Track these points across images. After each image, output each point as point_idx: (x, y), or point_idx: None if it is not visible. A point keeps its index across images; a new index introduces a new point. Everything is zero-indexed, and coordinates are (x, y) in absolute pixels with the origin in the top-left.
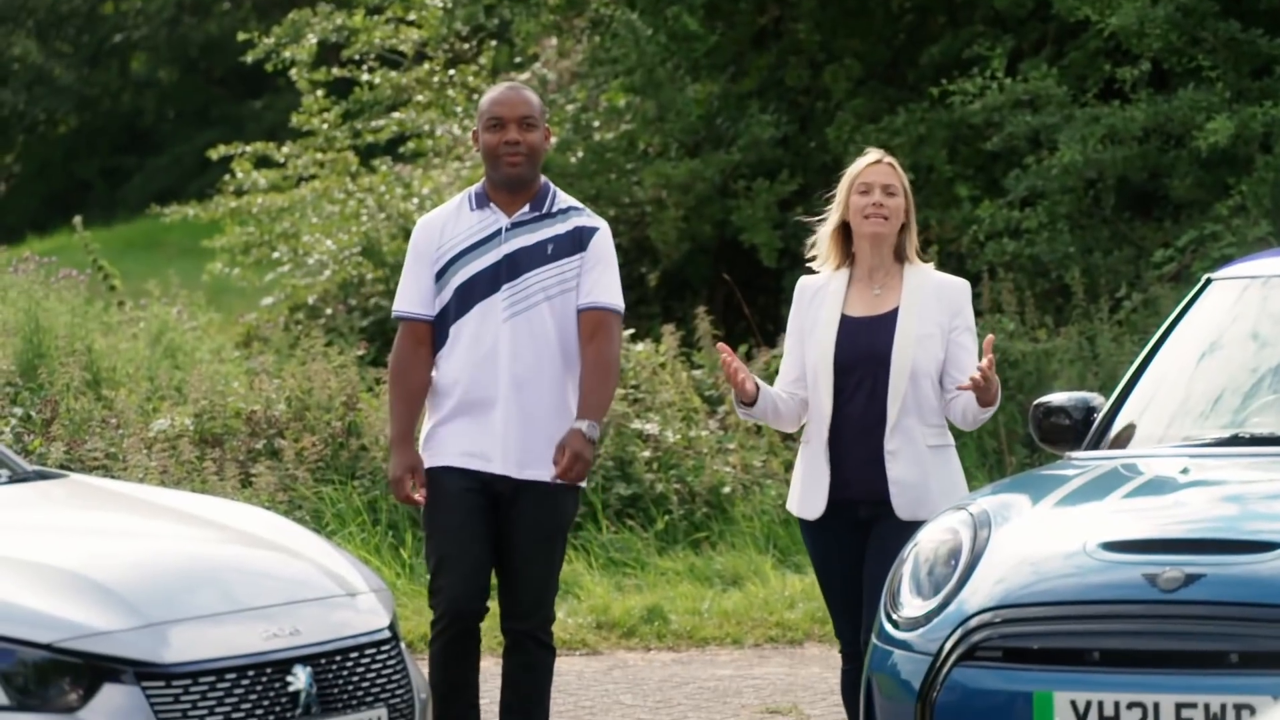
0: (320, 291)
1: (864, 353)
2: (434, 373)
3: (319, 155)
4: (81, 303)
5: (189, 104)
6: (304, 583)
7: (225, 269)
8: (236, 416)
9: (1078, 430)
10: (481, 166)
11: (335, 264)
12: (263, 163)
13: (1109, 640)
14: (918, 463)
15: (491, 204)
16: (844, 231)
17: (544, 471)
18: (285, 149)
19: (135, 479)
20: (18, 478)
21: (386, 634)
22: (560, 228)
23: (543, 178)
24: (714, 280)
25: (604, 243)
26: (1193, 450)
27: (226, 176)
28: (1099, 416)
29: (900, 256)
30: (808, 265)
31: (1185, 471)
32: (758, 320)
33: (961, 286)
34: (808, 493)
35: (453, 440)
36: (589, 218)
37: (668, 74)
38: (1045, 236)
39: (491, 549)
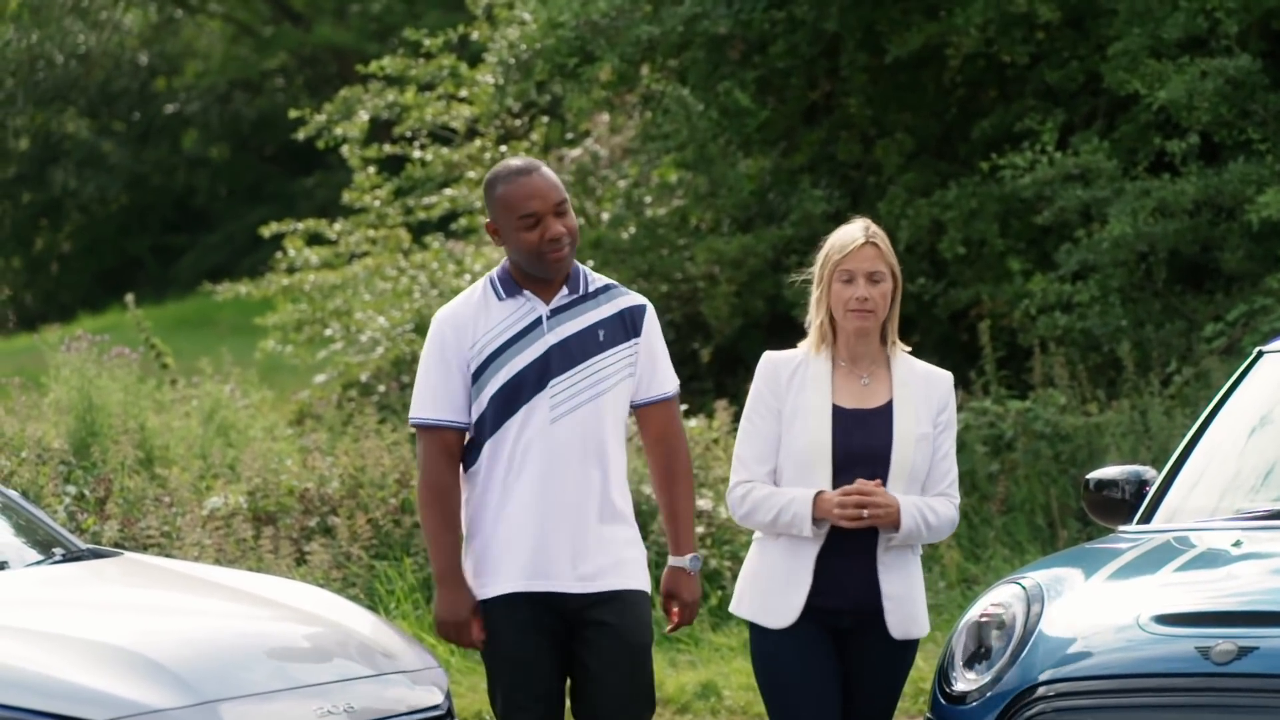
0: (373, 369)
1: (860, 450)
2: (473, 491)
3: (371, 232)
4: (134, 381)
5: (240, 181)
6: (357, 660)
7: (278, 346)
8: (290, 494)
9: (1130, 504)
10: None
11: (388, 341)
12: (314, 240)
13: (1163, 714)
14: (906, 574)
15: (524, 291)
16: (830, 317)
17: (618, 580)
18: (337, 226)
19: (190, 557)
20: (72, 556)
21: (440, 711)
22: (606, 310)
23: None
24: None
25: (654, 322)
26: (1245, 523)
27: (278, 254)
28: (1151, 490)
29: (885, 341)
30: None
31: (1238, 544)
32: None
33: (947, 380)
34: (776, 597)
35: (510, 562)
36: (630, 296)
37: (719, 149)
38: (1097, 310)
39: (564, 683)
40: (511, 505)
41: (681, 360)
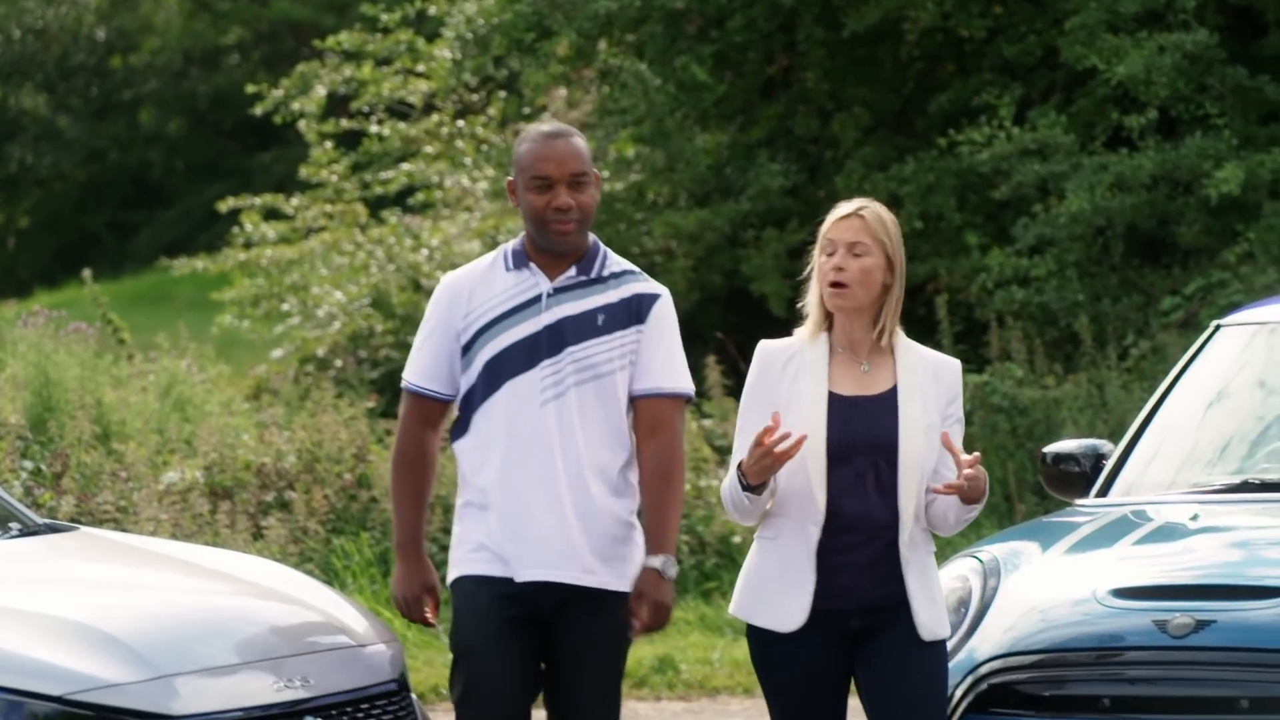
0: (330, 343)
1: (862, 439)
2: (462, 464)
3: (328, 207)
4: (91, 356)
5: (197, 157)
6: (314, 634)
7: (235, 321)
8: (247, 469)
9: (1087, 477)
10: (494, 217)
11: (345, 316)
12: (271, 215)
13: (1120, 687)
14: (925, 573)
15: (531, 264)
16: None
17: (600, 577)
18: (294, 201)
19: (146, 532)
20: (28, 531)
21: (396, 685)
22: (613, 295)
23: (592, 236)
24: (724, 329)
25: (665, 313)
26: (1202, 497)
27: (235, 229)
28: (1108, 463)
29: (883, 328)
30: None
31: (1195, 518)
32: None
33: (956, 369)
34: (779, 599)
35: (488, 543)
36: (647, 283)
37: (676, 124)
38: (1054, 284)
39: (535, 676)
40: (490, 486)
41: None
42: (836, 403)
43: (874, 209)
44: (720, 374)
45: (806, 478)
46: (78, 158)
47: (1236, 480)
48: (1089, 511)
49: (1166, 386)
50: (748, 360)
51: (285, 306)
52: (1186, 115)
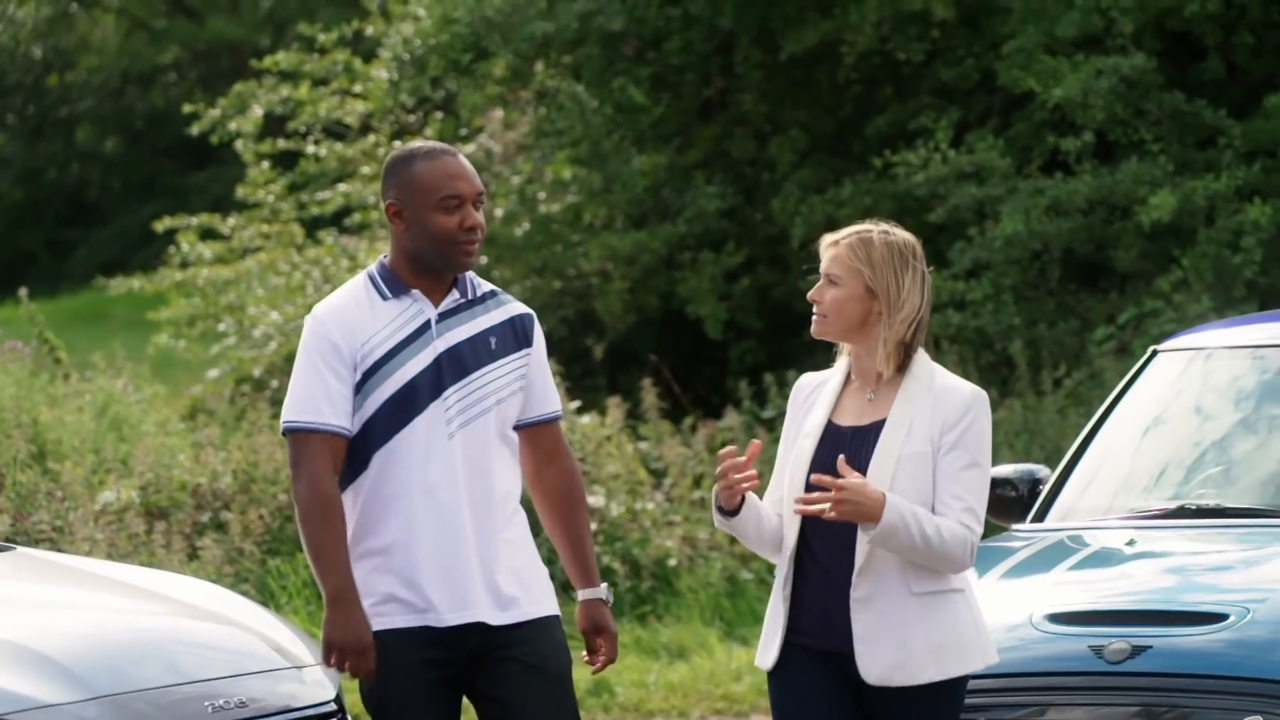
0: (266, 364)
1: (837, 472)
2: (358, 509)
3: (264, 227)
4: (27, 375)
5: (134, 175)
6: (250, 655)
7: (171, 341)
8: (182, 489)
9: (1023, 502)
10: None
11: (281, 336)
12: (208, 235)
13: (1056, 712)
14: (895, 614)
15: (412, 290)
16: None
17: (529, 607)
18: (230, 221)
19: (82, 552)
20: None
21: (333, 706)
22: (496, 316)
23: None
24: (660, 352)
25: (541, 334)
26: (1139, 522)
27: (172, 249)
28: (1045, 488)
29: (887, 356)
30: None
31: (1131, 543)
32: (702, 393)
33: (966, 394)
34: (765, 638)
35: (398, 592)
36: (516, 304)
37: (613, 145)
38: (990, 308)
39: None
40: (399, 529)
41: (574, 356)
42: (830, 434)
43: (861, 237)
44: (656, 397)
45: (786, 514)
46: (14, 176)
47: (1173, 505)
48: (1025, 536)
49: (1103, 411)
50: (682, 382)
51: (221, 327)
52: (1123, 139)
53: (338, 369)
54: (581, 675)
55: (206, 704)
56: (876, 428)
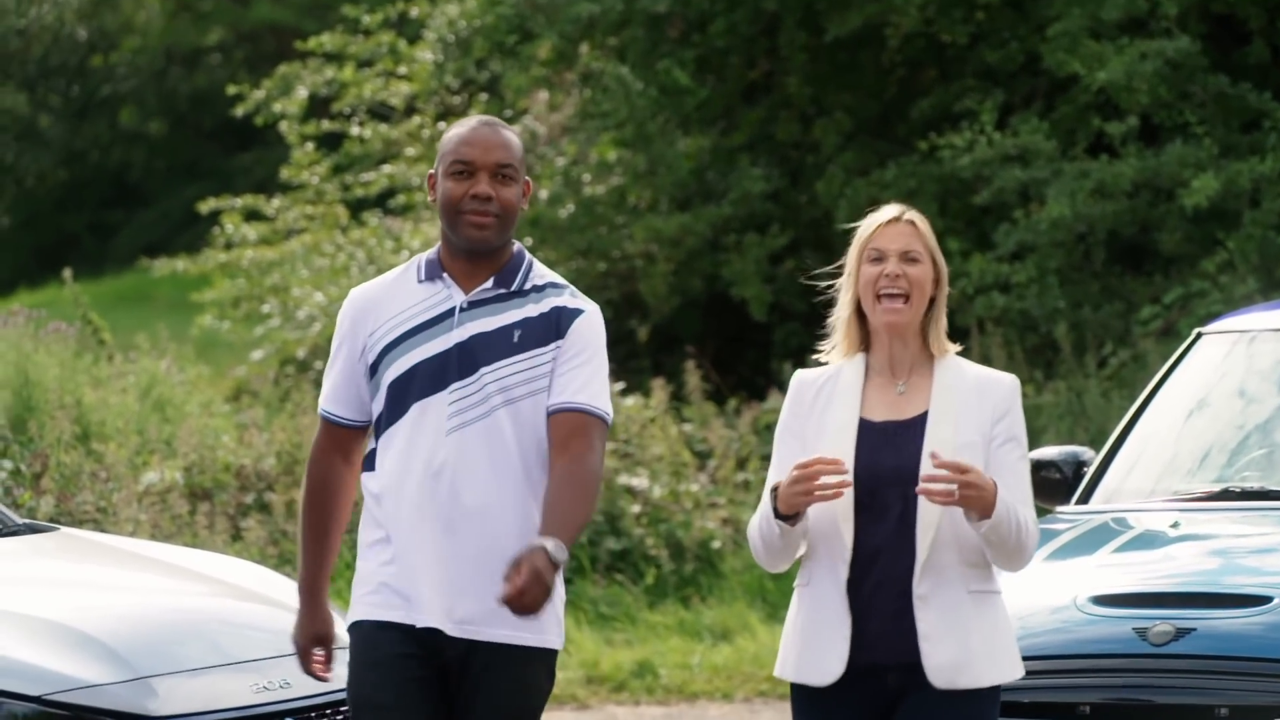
0: (310, 345)
1: (889, 469)
2: (367, 496)
3: (308, 209)
4: (71, 356)
5: (178, 157)
6: (280, 632)
7: (215, 323)
8: (226, 470)
9: (1068, 484)
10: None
11: (325, 317)
12: (252, 216)
13: (1099, 694)
14: (955, 612)
15: (445, 275)
16: (859, 313)
17: (511, 632)
18: (275, 202)
19: (125, 533)
20: (8, 531)
21: None
22: (533, 309)
23: (517, 245)
24: (704, 334)
25: (590, 329)
26: (1183, 504)
27: (216, 230)
28: (1089, 471)
29: (928, 344)
30: (814, 357)
31: (1175, 526)
32: (746, 375)
33: (1008, 385)
34: (815, 652)
35: (390, 583)
36: (573, 297)
37: (658, 128)
38: (1035, 291)
39: None
40: (391, 520)
41: (619, 339)
42: (866, 430)
43: (917, 215)
44: (699, 378)
45: (834, 513)
46: (57, 157)
47: (1217, 488)
48: (1069, 519)
49: (1148, 394)
50: (722, 368)
51: (265, 308)
52: (1168, 123)
53: (348, 355)
54: (626, 657)
55: (250, 684)
56: (919, 422)
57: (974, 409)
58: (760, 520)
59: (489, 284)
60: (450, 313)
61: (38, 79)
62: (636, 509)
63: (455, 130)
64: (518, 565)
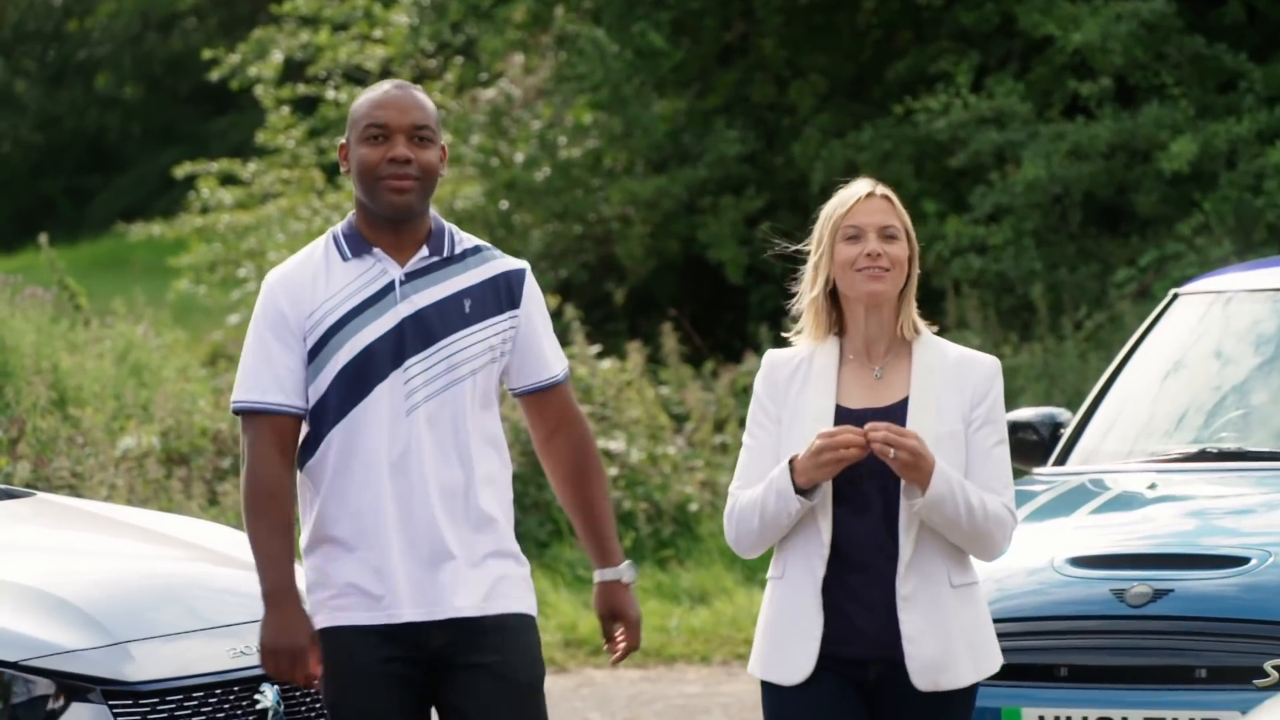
0: None
1: (868, 460)
2: (314, 491)
3: (284, 173)
4: (47, 321)
5: (153, 121)
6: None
7: (191, 287)
8: (203, 435)
9: (1045, 446)
10: (450, 183)
11: None
12: (228, 180)
13: (1077, 656)
14: (938, 609)
15: (374, 249)
16: (831, 293)
17: (495, 604)
18: (250, 167)
19: (101, 498)
20: None
21: None
22: (475, 275)
23: (433, 212)
24: (680, 297)
25: (535, 290)
26: (1160, 465)
27: (192, 194)
28: (1066, 432)
29: (901, 324)
30: (784, 335)
31: (1153, 487)
32: (723, 338)
33: (986, 365)
34: (785, 647)
35: (360, 583)
36: (505, 260)
37: (634, 90)
38: (1011, 253)
39: None
40: (355, 514)
41: (595, 302)
42: (843, 418)
43: (889, 191)
44: (677, 342)
45: (823, 499)
46: (33, 122)
47: (1194, 449)
48: (1046, 480)
49: (1124, 355)
50: (699, 330)
51: (241, 272)
52: (1144, 84)
53: (287, 340)
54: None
55: (228, 649)
56: (899, 408)
57: (954, 393)
58: (769, 497)
59: (424, 252)
60: (390, 287)
61: (13, 44)
62: (614, 472)
63: (366, 95)
64: (611, 619)
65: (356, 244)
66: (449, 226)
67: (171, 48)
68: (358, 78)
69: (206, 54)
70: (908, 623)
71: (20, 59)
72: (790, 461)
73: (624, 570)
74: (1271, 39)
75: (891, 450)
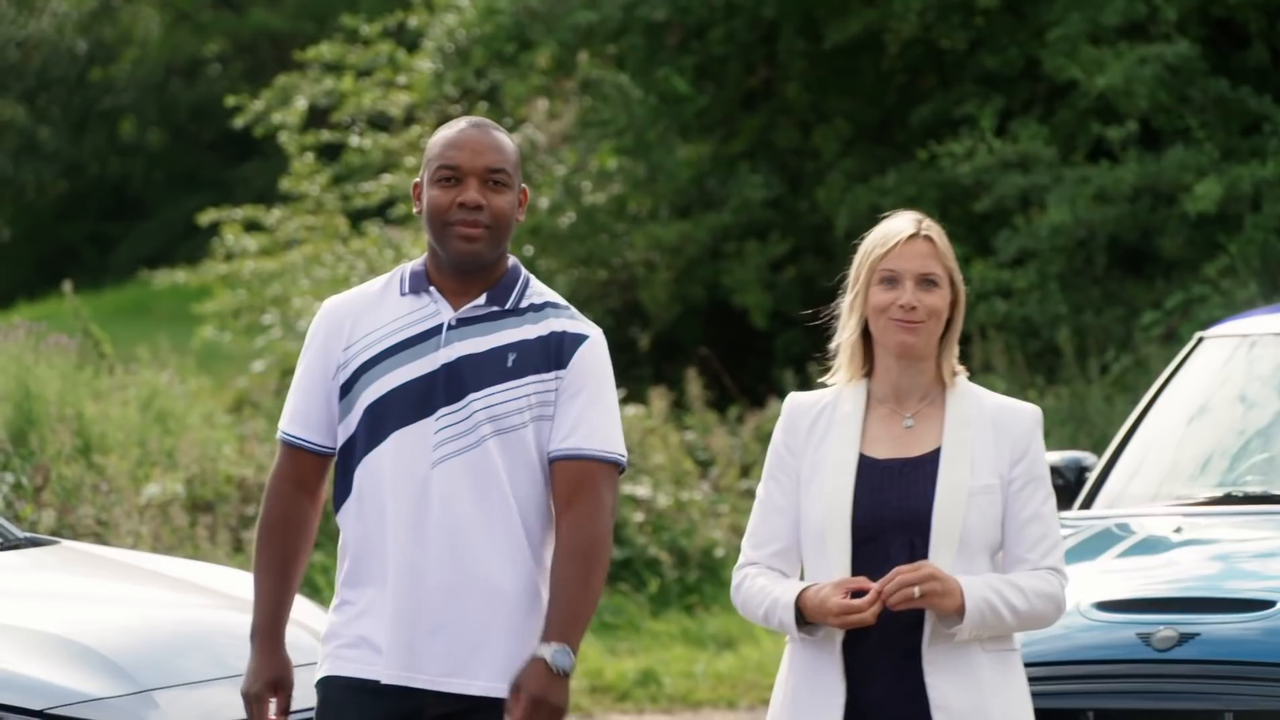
0: None
1: (894, 513)
2: (343, 534)
3: (309, 219)
4: (72, 368)
5: (177, 168)
6: (295, 648)
7: (215, 334)
8: (228, 482)
9: (1070, 490)
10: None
11: None
12: (252, 227)
13: (1103, 700)
14: (971, 676)
15: (432, 288)
16: (864, 334)
17: (492, 684)
18: (275, 213)
19: (126, 545)
20: (10, 544)
21: None
22: (530, 330)
23: (512, 259)
24: (705, 342)
25: (595, 358)
26: (1185, 509)
27: (215, 241)
28: (1091, 476)
29: (941, 370)
30: (820, 379)
31: (1178, 531)
32: (747, 383)
33: (1029, 417)
34: (806, 713)
35: (369, 635)
36: (574, 320)
37: (658, 136)
38: (1036, 297)
39: None
40: (372, 564)
41: (620, 347)
42: (867, 469)
43: (936, 227)
44: (701, 387)
45: (829, 562)
46: (57, 169)
47: (1220, 493)
48: (1072, 524)
49: (1150, 398)
50: (730, 373)
51: (266, 319)
52: (1168, 127)
53: (318, 373)
54: (629, 666)
55: None
56: (931, 460)
57: (991, 446)
58: (772, 614)
59: (481, 300)
60: (437, 330)
61: (37, 91)
62: (640, 517)
63: (442, 133)
64: (515, 694)
65: (418, 281)
66: (527, 278)
67: (195, 94)
68: (381, 124)
69: (230, 101)
70: (937, 689)
71: (44, 106)
72: (799, 594)
73: (553, 650)
74: None
75: (916, 589)
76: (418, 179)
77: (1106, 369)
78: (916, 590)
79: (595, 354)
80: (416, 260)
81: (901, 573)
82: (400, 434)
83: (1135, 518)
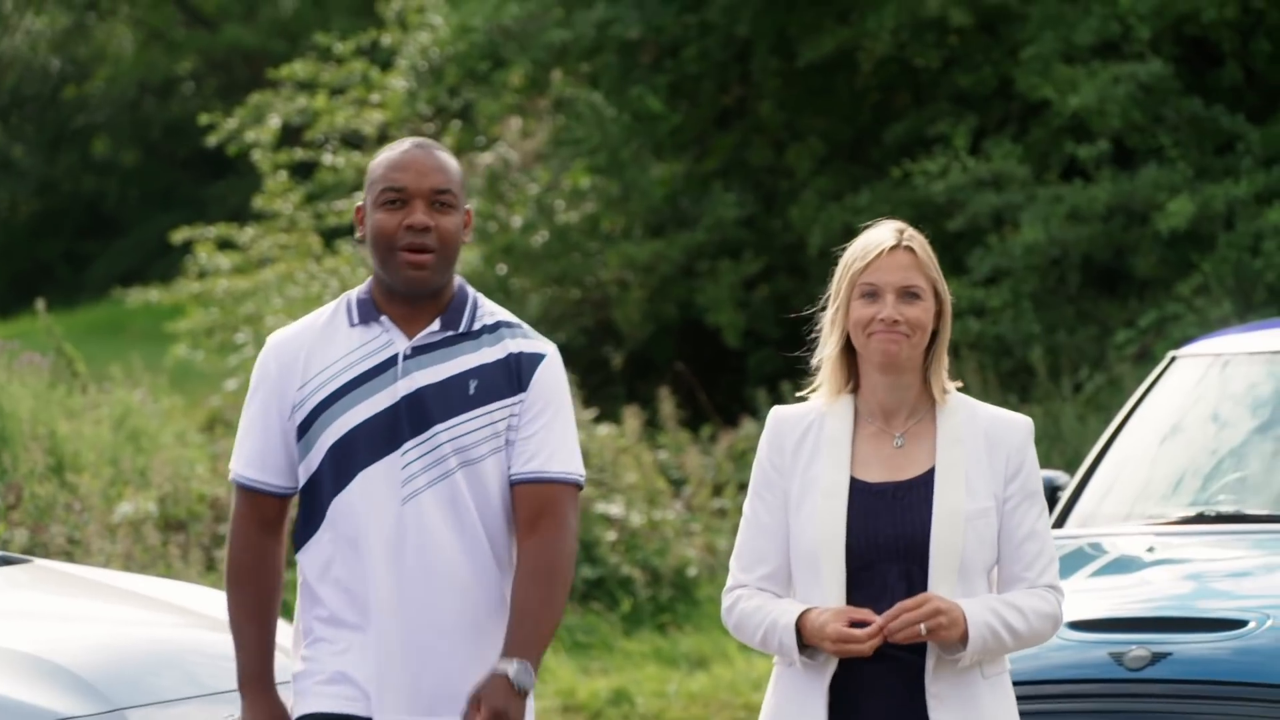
0: None
1: (889, 540)
2: (306, 574)
3: (282, 238)
4: (44, 387)
5: (151, 186)
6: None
7: (188, 352)
8: (200, 501)
9: None
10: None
11: None
12: (225, 245)
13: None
14: (973, 707)
15: (383, 317)
16: (847, 349)
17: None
18: (248, 231)
19: (99, 564)
20: None
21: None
22: (489, 354)
23: (459, 280)
24: (678, 361)
25: (552, 378)
26: (1158, 529)
27: (189, 260)
28: (1064, 495)
29: (930, 385)
30: (797, 395)
31: (1151, 550)
32: (721, 402)
33: (1022, 430)
34: None
35: (351, 673)
36: (529, 339)
37: (631, 154)
38: (1009, 315)
39: None
40: (346, 603)
41: (593, 366)
42: (859, 493)
43: (917, 237)
44: (674, 406)
45: (823, 589)
46: (31, 188)
47: (1192, 512)
48: None
49: (1123, 418)
50: (704, 390)
51: (239, 337)
52: (1141, 146)
53: (273, 413)
54: (602, 685)
55: (225, 716)
56: (924, 483)
57: (985, 465)
58: (770, 637)
59: (435, 326)
60: (392, 361)
61: (10, 109)
62: (612, 536)
63: (384, 154)
64: (475, 705)
65: (367, 310)
66: (475, 298)
67: (169, 113)
68: (355, 142)
69: (204, 119)
70: (940, 716)
71: (18, 124)
72: (801, 616)
73: (515, 667)
74: (1269, 100)
75: (922, 627)
76: (360, 203)
77: (1080, 388)
78: (923, 628)
79: (553, 372)
80: (361, 287)
81: (906, 609)
82: (368, 472)
83: (1108, 537)
